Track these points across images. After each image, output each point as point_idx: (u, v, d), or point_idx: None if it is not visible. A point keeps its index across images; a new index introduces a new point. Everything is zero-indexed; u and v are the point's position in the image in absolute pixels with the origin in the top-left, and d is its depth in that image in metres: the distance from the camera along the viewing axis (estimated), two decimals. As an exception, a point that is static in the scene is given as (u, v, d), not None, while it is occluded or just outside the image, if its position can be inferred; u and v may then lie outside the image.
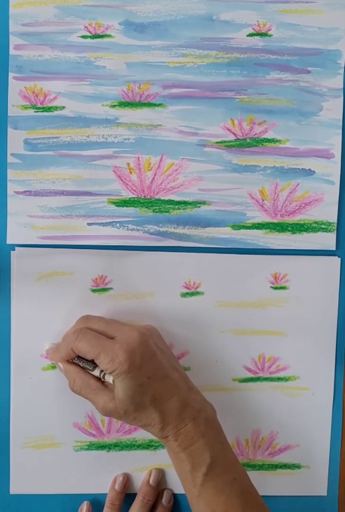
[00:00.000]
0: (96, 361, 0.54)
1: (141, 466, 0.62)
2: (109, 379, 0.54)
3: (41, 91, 0.59)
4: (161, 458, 0.62)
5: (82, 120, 0.60)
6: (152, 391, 0.53)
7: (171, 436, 0.54)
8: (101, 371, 0.55)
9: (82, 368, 0.56)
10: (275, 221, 0.61)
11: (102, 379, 0.55)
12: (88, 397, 0.56)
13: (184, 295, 0.61)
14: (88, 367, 0.56)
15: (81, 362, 0.56)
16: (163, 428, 0.54)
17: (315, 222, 0.61)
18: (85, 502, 0.61)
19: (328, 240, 0.61)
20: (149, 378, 0.53)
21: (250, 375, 0.62)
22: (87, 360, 0.56)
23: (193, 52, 0.60)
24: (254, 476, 0.62)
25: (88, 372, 0.56)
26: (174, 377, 0.55)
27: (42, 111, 0.60)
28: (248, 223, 0.61)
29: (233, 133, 0.61)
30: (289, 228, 0.61)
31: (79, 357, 0.57)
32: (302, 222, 0.61)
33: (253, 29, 0.60)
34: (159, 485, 0.62)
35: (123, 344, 0.53)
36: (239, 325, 0.62)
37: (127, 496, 0.61)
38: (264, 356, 0.62)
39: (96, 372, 0.56)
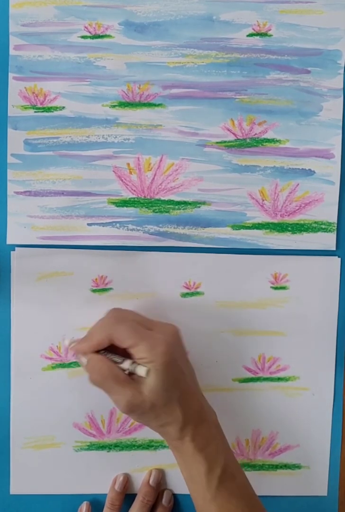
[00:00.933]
0: (133, 350, 0.52)
1: (141, 467, 0.62)
2: (141, 371, 0.51)
3: (41, 92, 0.59)
4: (161, 458, 0.62)
5: (82, 120, 0.60)
6: (182, 387, 0.53)
7: (188, 437, 0.53)
8: (133, 362, 0.52)
9: (109, 359, 0.53)
10: (275, 221, 0.61)
11: (132, 372, 0.52)
12: (112, 389, 0.52)
13: (184, 295, 0.61)
14: (117, 358, 0.53)
15: (109, 354, 0.53)
16: (183, 428, 0.52)
17: (315, 222, 0.61)
18: (85, 502, 0.61)
19: (328, 240, 0.61)
20: (181, 373, 0.53)
21: (250, 375, 0.62)
22: (115, 354, 0.53)
23: (193, 52, 0.60)
24: (254, 476, 0.62)
25: (116, 364, 0.53)
26: (194, 378, 0.56)
27: (42, 112, 0.60)
28: (248, 223, 0.61)
29: (233, 133, 0.61)
30: (289, 228, 0.61)
31: (106, 350, 0.53)
32: (302, 222, 0.61)
33: (253, 29, 0.60)
34: (159, 486, 0.61)
35: (164, 335, 0.53)
36: (239, 325, 0.62)
37: (127, 497, 0.61)
38: (264, 356, 0.62)
39: (126, 365, 0.52)
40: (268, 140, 0.61)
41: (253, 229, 0.61)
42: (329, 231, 0.61)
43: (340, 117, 0.61)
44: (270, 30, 0.60)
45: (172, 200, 0.61)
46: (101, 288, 0.61)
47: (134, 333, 0.52)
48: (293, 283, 0.62)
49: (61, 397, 0.61)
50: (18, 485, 0.61)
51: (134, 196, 0.60)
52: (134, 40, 0.60)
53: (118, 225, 0.60)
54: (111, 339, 0.53)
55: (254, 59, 0.60)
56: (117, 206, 0.60)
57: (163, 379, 0.52)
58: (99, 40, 0.59)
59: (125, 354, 0.53)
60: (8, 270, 0.60)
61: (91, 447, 0.62)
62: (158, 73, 0.60)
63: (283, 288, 0.62)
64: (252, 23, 0.60)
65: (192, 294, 0.61)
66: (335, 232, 0.61)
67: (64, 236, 0.60)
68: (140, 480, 0.62)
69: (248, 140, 0.61)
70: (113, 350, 0.53)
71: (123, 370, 0.53)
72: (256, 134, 0.61)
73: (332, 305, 0.62)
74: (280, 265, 0.62)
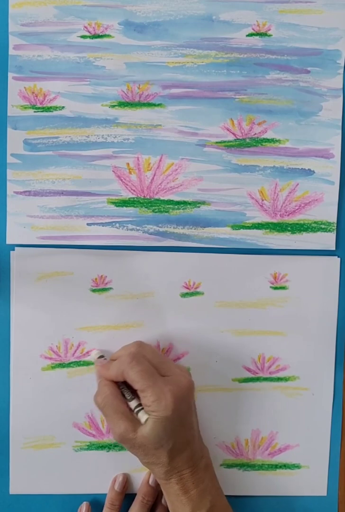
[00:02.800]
0: (141, 394, 0.53)
1: (140, 466, 0.61)
2: (143, 416, 0.53)
3: (40, 91, 0.59)
4: (161, 458, 0.62)
5: (81, 120, 0.60)
6: (176, 439, 0.53)
7: (173, 479, 0.54)
8: (138, 405, 0.54)
9: (118, 389, 0.55)
10: (274, 221, 0.61)
11: (135, 411, 0.54)
12: (110, 416, 0.54)
13: (184, 295, 0.61)
14: (127, 395, 0.55)
15: (122, 385, 0.55)
16: (168, 472, 0.54)
17: (315, 222, 0.61)
18: (84, 502, 0.61)
19: (328, 240, 0.61)
20: (180, 427, 0.53)
21: (250, 375, 0.62)
22: (127, 388, 0.55)
23: (193, 52, 0.60)
24: (253, 476, 0.62)
25: (122, 395, 0.55)
26: (194, 428, 0.56)
27: (41, 111, 0.60)
28: (247, 223, 0.61)
29: (233, 133, 0.61)
30: (289, 228, 0.61)
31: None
32: (301, 222, 0.61)
33: (253, 29, 0.60)
34: (159, 486, 0.61)
35: (174, 389, 0.53)
36: (239, 325, 0.62)
37: (127, 496, 0.61)
38: (264, 356, 0.62)
39: (133, 404, 0.54)
40: (267, 140, 0.61)
41: (253, 229, 0.61)
42: (329, 231, 0.61)
43: (340, 117, 0.61)
44: (269, 30, 0.60)
45: (172, 200, 0.61)
46: (101, 288, 0.61)
47: (145, 379, 0.53)
48: (293, 283, 0.62)
49: (61, 397, 0.61)
50: (18, 485, 0.61)
51: (133, 196, 0.60)
52: (134, 40, 0.60)
53: (117, 225, 0.60)
54: (124, 376, 0.54)
55: (253, 59, 0.60)
56: (117, 206, 0.60)
57: (158, 431, 0.52)
58: (98, 40, 0.59)
59: None
60: (8, 270, 0.60)
61: (91, 447, 0.62)
62: (158, 73, 0.60)
63: (283, 288, 0.62)
64: (251, 23, 0.60)
65: (192, 294, 0.61)
66: (335, 232, 0.61)
67: (63, 236, 0.60)
68: (140, 480, 0.62)
69: (247, 140, 0.61)
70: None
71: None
72: (255, 134, 0.61)
73: (332, 305, 0.62)
74: (279, 265, 0.62)
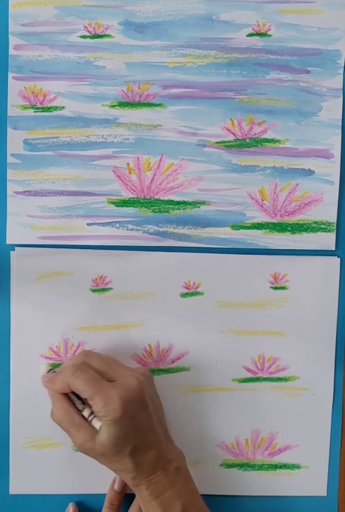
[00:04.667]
0: (90, 402, 0.54)
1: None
2: (96, 424, 0.54)
3: (40, 91, 0.59)
4: (161, 458, 0.62)
5: (81, 120, 0.60)
6: (135, 442, 0.53)
7: (142, 485, 0.54)
8: (91, 413, 0.54)
9: (71, 401, 0.55)
10: (274, 221, 0.61)
11: (89, 420, 0.54)
12: (67, 429, 0.55)
13: (184, 295, 0.61)
14: (79, 405, 0.55)
15: (72, 396, 0.56)
16: (135, 477, 0.54)
17: (315, 222, 0.61)
18: (71, 503, 0.61)
19: (328, 240, 0.61)
20: (136, 429, 0.53)
21: (250, 375, 0.62)
22: (79, 398, 0.55)
23: (193, 52, 0.60)
24: (253, 476, 0.62)
25: (75, 407, 0.55)
26: (157, 430, 0.55)
27: (41, 111, 0.60)
28: (247, 223, 0.61)
29: (233, 133, 0.61)
30: (289, 228, 0.61)
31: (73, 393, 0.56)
32: (301, 222, 0.61)
33: (253, 29, 0.60)
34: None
35: (121, 391, 0.53)
36: (239, 325, 0.62)
37: (127, 496, 0.61)
38: (264, 356, 0.62)
39: (86, 413, 0.55)
40: (267, 140, 0.61)
41: (253, 229, 0.61)
42: (329, 231, 0.61)
43: (340, 117, 0.61)
44: (269, 30, 0.60)
45: (172, 200, 0.61)
46: (101, 288, 0.61)
47: (91, 387, 0.53)
48: (293, 283, 0.62)
49: (61, 397, 0.61)
50: (18, 485, 0.61)
51: (133, 196, 0.60)
52: (134, 40, 0.60)
53: (117, 225, 0.60)
54: (69, 388, 0.55)
55: (253, 59, 0.60)
56: (117, 206, 0.60)
57: (113, 435, 0.52)
58: (98, 40, 0.59)
59: None
60: (8, 270, 0.60)
61: (91, 447, 0.62)
62: (158, 73, 0.60)
63: (283, 288, 0.62)
64: (251, 23, 0.60)
65: (192, 294, 0.61)
66: (335, 232, 0.61)
67: (63, 236, 0.60)
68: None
69: (247, 140, 0.61)
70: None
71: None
72: (255, 134, 0.61)
73: (332, 305, 0.62)
74: (279, 265, 0.62)
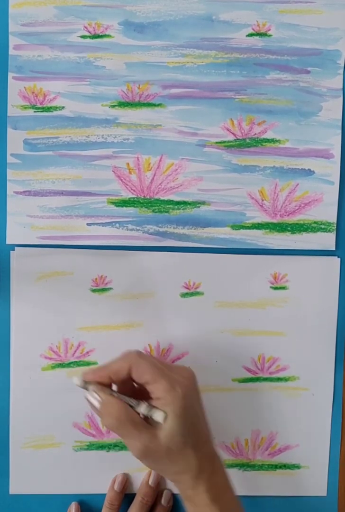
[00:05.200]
0: (151, 386, 0.51)
1: (140, 467, 0.61)
2: (158, 416, 0.50)
3: (40, 91, 0.59)
4: (161, 458, 0.62)
5: (81, 120, 0.60)
6: (197, 433, 0.52)
7: (203, 487, 0.51)
8: (148, 405, 0.51)
9: (124, 402, 0.51)
10: (274, 221, 0.61)
11: (147, 416, 0.51)
12: (127, 433, 0.50)
13: (184, 295, 0.61)
14: (132, 402, 0.51)
15: (123, 397, 0.51)
16: (198, 476, 0.51)
17: (315, 222, 0.61)
18: (73, 502, 0.61)
19: (328, 240, 0.61)
20: (198, 418, 0.53)
21: (250, 375, 0.62)
22: (129, 397, 0.52)
23: (193, 52, 0.60)
24: (253, 476, 0.62)
25: (131, 407, 0.51)
26: (207, 423, 0.55)
27: (41, 111, 0.60)
28: (247, 223, 0.61)
29: (233, 133, 0.61)
30: (289, 228, 0.61)
31: (118, 393, 0.52)
32: (301, 222, 0.61)
33: (253, 29, 0.60)
34: (158, 486, 0.61)
35: (181, 379, 0.52)
36: (239, 325, 0.62)
37: (126, 496, 0.61)
38: (264, 356, 0.62)
39: (142, 408, 0.51)
40: (267, 140, 0.61)
41: (253, 229, 0.61)
42: (329, 231, 0.61)
43: (340, 117, 0.61)
44: (269, 30, 0.60)
45: (172, 200, 0.61)
46: (101, 288, 0.61)
47: (155, 369, 0.51)
48: (293, 283, 0.62)
49: (61, 397, 0.61)
50: (18, 485, 0.61)
51: (133, 196, 0.60)
52: (134, 40, 0.60)
53: (117, 225, 0.60)
54: (131, 370, 0.51)
55: (253, 59, 0.60)
56: (117, 206, 0.60)
57: (180, 423, 0.50)
58: (98, 40, 0.59)
59: (138, 396, 0.52)
60: (8, 270, 0.60)
61: (91, 447, 0.62)
62: (158, 73, 0.60)
63: (283, 288, 0.62)
64: (251, 23, 0.60)
65: (192, 294, 0.61)
66: (335, 232, 0.61)
67: (63, 236, 0.60)
68: (140, 480, 0.62)
69: (247, 140, 0.61)
70: (124, 393, 0.52)
71: (138, 413, 0.51)
72: (255, 134, 0.61)
73: (332, 305, 0.62)
74: (279, 265, 0.62)
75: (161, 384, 0.50)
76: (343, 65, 0.61)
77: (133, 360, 0.52)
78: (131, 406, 0.51)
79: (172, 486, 0.62)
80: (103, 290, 0.61)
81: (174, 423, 0.50)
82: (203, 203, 0.61)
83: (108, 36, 0.59)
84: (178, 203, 0.61)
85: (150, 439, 0.50)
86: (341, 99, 0.61)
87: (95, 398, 0.51)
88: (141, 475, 0.62)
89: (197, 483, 0.51)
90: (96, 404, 0.51)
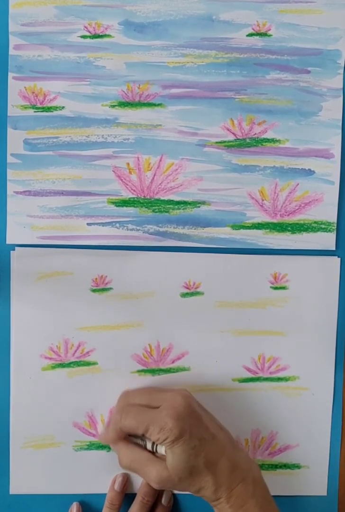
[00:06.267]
0: (146, 435, 0.55)
1: (141, 466, 0.62)
2: (161, 450, 0.55)
3: (40, 91, 0.59)
4: (161, 458, 0.62)
5: (81, 120, 0.60)
6: (204, 453, 0.53)
7: (223, 498, 0.53)
8: (153, 443, 0.55)
9: (133, 443, 0.57)
10: (274, 221, 0.61)
11: (155, 452, 0.56)
12: (140, 470, 0.56)
13: (184, 295, 0.61)
14: (140, 441, 0.56)
15: (132, 438, 0.57)
16: (217, 490, 0.53)
17: (315, 222, 0.61)
18: (75, 503, 0.61)
19: (328, 240, 0.61)
20: (200, 440, 0.54)
21: (250, 375, 0.62)
22: (137, 436, 0.56)
23: (193, 52, 0.60)
24: (253, 476, 0.62)
25: (139, 446, 0.57)
26: (220, 437, 0.55)
27: (41, 111, 0.60)
28: (247, 223, 0.61)
29: (233, 133, 0.61)
30: (289, 228, 0.61)
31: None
32: (301, 222, 0.61)
33: (253, 29, 0.60)
34: (159, 485, 0.62)
35: (170, 411, 0.54)
36: (239, 325, 0.62)
37: (127, 496, 0.61)
38: (264, 356, 0.62)
39: (149, 445, 0.56)
40: (267, 140, 0.61)
41: (253, 229, 0.61)
42: (329, 231, 0.61)
43: (340, 117, 0.61)
44: (269, 30, 0.60)
45: (172, 200, 0.61)
46: (101, 288, 0.61)
47: (142, 420, 0.54)
48: (293, 283, 0.62)
49: (61, 396, 0.61)
50: (18, 485, 0.61)
51: (133, 196, 0.60)
52: (134, 40, 0.60)
53: (117, 225, 0.60)
54: (124, 432, 0.56)
55: (253, 59, 0.60)
56: (117, 206, 0.60)
57: (179, 454, 0.53)
58: (98, 39, 0.59)
59: None
60: (8, 270, 0.60)
61: (91, 446, 0.62)
62: (158, 73, 0.60)
63: (283, 288, 0.62)
64: (251, 23, 0.60)
65: (192, 294, 0.61)
66: (335, 232, 0.62)
67: (63, 236, 0.60)
68: (140, 480, 0.61)
69: (247, 140, 0.61)
70: None
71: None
72: (255, 134, 0.61)
73: (332, 305, 0.62)
74: (279, 265, 0.62)
75: (151, 431, 0.54)
76: (343, 65, 0.61)
77: (119, 425, 0.56)
78: (140, 445, 0.57)
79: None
80: (103, 290, 0.61)
81: (173, 455, 0.53)
82: (203, 203, 0.61)
83: (108, 36, 0.59)
84: (178, 203, 0.61)
85: (161, 470, 0.54)
86: (341, 99, 0.61)
87: (112, 447, 0.59)
88: (141, 475, 0.62)
89: (217, 495, 0.53)
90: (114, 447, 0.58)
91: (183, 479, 0.53)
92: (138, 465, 0.56)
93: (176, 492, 0.62)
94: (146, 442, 0.56)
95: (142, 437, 0.56)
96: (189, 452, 0.53)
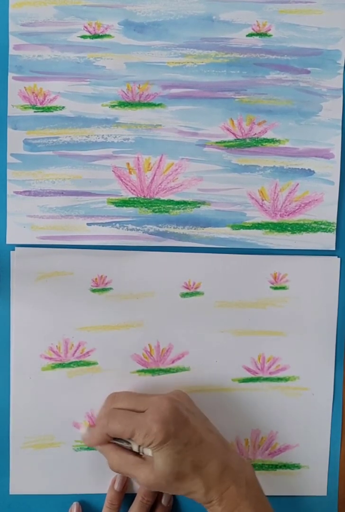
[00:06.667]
0: (132, 439, 0.55)
1: (141, 466, 0.62)
2: (148, 452, 0.55)
3: (40, 91, 0.59)
4: (161, 458, 0.62)
5: (81, 120, 0.60)
6: (191, 457, 0.53)
7: (215, 501, 0.53)
8: (139, 446, 0.55)
9: (120, 446, 0.57)
10: (274, 221, 0.61)
11: (141, 454, 0.56)
12: (128, 473, 0.56)
13: (184, 295, 0.61)
14: (125, 444, 0.56)
15: (118, 441, 0.57)
16: (207, 493, 0.53)
17: (315, 222, 0.61)
18: (75, 502, 0.61)
19: (328, 240, 0.61)
20: (186, 444, 0.53)
21: (250, 375, 0.62)
22: (123, 439, 0.56)
23: (193, 52, 0.60)
24: (253, 476, 0.62)
25: (125, 449, 0.56)
26: (209, 440, 0.55)
27: (41, 111, 0.60)
28: (247, 223, 0.61)
29: (233, 133, 0.61)
30: (289, 228, 0.61)
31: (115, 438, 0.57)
32: (301, 222, 0.61)
33: (253, 29, 0.60)
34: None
35: (155, 415, 0.54)
36: (239, 325, 0.62)
37: (127, 496, 0.61)
38: (264, 356, 0.62)
39: (135, 447, 0.56)
40: (267, 140, 0.61)
41: (253, 229, 0.61)
42: (329, 231, 0.61)
43: (340, 117, 0.61)
44: (269, 30, 0.60)
45: (172, 200, 0.61)
46: (101, 288, 0.61)
47: (128, 424, 0.54)
48: (293, 283, 0.62)
49: (61, 396, 0.61)
50: (18, 485, 0.61)
51: (133, 196, 0.60)
52: (134, 40, 0.60)
53: (117, 225, 0.60)
54: (110, 436, 0.56)
55: (253, 59, 0.60)
56: (117, 206, 0.60)
57: (165, 458, 0.53)
58: (98, 40, 0.59)
59: None
60: (8, 270, 0.60)
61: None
62: (158, 73, 0.60)
63: (283, 288, 0.62)
64: (251, 23, 0.60)
65: (192, 294, 0.61)
66: (335, 232, 0.62)
67: (63, 236, 0.60)
68: (140, 480, 0.62)
69: (247, 140, 0.61)
70: None
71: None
72: (255, 134, 0.61)
73: (332, 305, 0.62)
74: (279, 265, 0.62)
75: (136, 435, 0.54)
76: (343, 65, 0.61)
77: (105, 428, 0.56)
78: (126, 447, 0.56)
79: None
80: (103, 290, 0.61)
81: (159, 460, 0.53)
82: (203, 203, 0.61)
83: (108, 36, 0.59)
84: (178, 203, 0.61)
85: (148, 473, 0.54)
86: (341, 99, 0.61)
87: (98, 449, 0.59)
88: (141, 475, 0.62)
89: (207, 498, 0.53)
90: (99, 448, 0.58)
91: (170, 482, 0.54)
92: (126, 468, 0.56)
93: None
94: (132, 444, 0.56)
95: (127, 441, 0.56)
96: (174, 456, 0.53)
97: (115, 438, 0.57)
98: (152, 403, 0.55)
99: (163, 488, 0.55)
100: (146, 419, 0.54)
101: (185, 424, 0.54)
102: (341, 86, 0.61)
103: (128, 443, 0.56)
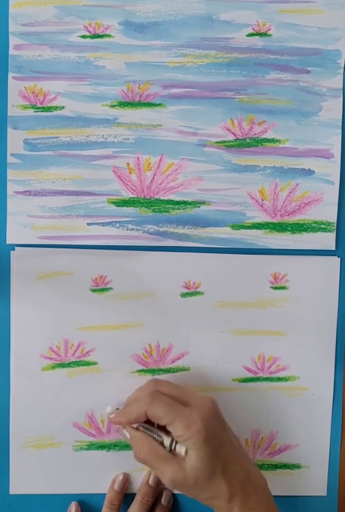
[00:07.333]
0: (169, 427, 0.53)
1: (141, 466, 0.62)
2: (181, 449, 0.53)
3: (40, 91, 0.59)
4: (161, 458, 0.62)
5: (81, 120, 0.60)
6: (223, 458, 0.53)
7: (236, 509, 0.52)
8: (172, 440, 0.54)
9: (151, 437, 0.55)
10: (274, 221, 0.61)
11: (172, 449, 0.54)
12: (155, 466, 0.54)
13: (184, 295, 0.61)
14: (156, 436, 0.55)
15: (149, 430, 0.55)
16: (230, 500, 0.52)
17: (315, 222, 0.61)
18: (73, 502, 0.61)
19: (328, 240, 0.61)
20: (222, 446, 0.53)
21: (250, 375, 0.62)
22: (154, 429, 0.55)
23: (193, 52, 0.60)
24: (253, 476, 0.62)
25: (156, 441, 0.55)
26: (236, 445, 0.55)
27: (41, 111, 0.60)
28: (247, 223, 0.61)
29: (233, 133, 0.61)
30: (289, 228, 0.61)
31: (145, 425, 0.55)
32: (301, 222, 0.61)
33: (253, 29, 0.60)
34: (159, 485, 0.61)
35: (200, 412, 0.53)
36: (239, 325, 0.62)
37: (127, 496, 0.61)
38: (264, 356, 0.62)
39: (166, 442, 0.54)
40: (267, 140, 0.61)
41: (253, 229, 0.61)
42: (329, 231, 0.61)
43: (340, 117, 0.61)
44: (269, 30, 0.60)
45: (172, 200, 0.61)
46: (101, 287, 0.61)
47: (169, 412, 0.53)
48: (293, 283, 0.62)
49: (61, 396, 0.61)
50: (18, 485, 0.61)
51: (133, 195, 0.60)
52: (134, 39, 0.60)
53: (117, 224, 0.60)
54: (148, 415, 0.54)
55: (253, 59, 0.60)
56: (117, 206, 0.60)
57: (202, 455, 0.52)
58: (98, 39, 0.59)
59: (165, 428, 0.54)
60: (8, 270, 0.60)
61: (91, 446, 0.62)
62: (158, 73, 0.60)
63: (283, 288, 0.62)
64: (251, 23, 0.60)
65: (192, 294, 0.61)
66: (335, 232, 0.62)
67: (64, 236, 0.60)
68: (140, 480, 0.62)
69: (247, 140, 0.61)
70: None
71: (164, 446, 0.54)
72: (255, 134, 0.61)
73: (332, 305, 0.62)
74: (279, 265, 0.62)
75: (176, 424, 0.52)
76: (343, 65, 0.61)
77: (147, 405, 0.54)
78: (157, 439, 0.54)
79: (172, 486, 0.62)
80: (103, 290, 0.61)
81: (195, 456, 0.52)
82: (203, 203, 0.61)
83: (108, 36, 0.59)
84: (178, 203, 0.61)
85: (177, 470, 0.52)
86: (341, 99, 0.61)
87: (123, 434, 0.57)
88: (141, 475, 0.62)
89: (230, 506, 0.52)
90: (126, 435, 0.57)
91: (198, 482, 0.52)
92: (153, 460, 0.54)
93: (175, 492, 0.62)
94: (163, 438, 0.54)
95: (159, 433, 0.55)
96: (211, 455, 0.52)
97: (146, 427, 0.55)
98: (196, 399, 0.55)
99: (188, 488, 0.53)
100: (191, 412, 0.53)
101: (222, 427, 0.55)
102: (341, 86, 0.61)
103: (159, 436, 0.55)
